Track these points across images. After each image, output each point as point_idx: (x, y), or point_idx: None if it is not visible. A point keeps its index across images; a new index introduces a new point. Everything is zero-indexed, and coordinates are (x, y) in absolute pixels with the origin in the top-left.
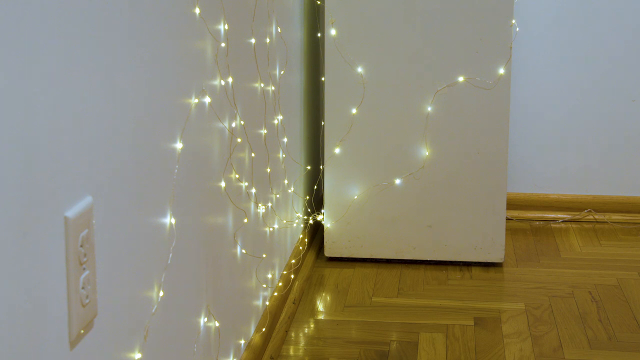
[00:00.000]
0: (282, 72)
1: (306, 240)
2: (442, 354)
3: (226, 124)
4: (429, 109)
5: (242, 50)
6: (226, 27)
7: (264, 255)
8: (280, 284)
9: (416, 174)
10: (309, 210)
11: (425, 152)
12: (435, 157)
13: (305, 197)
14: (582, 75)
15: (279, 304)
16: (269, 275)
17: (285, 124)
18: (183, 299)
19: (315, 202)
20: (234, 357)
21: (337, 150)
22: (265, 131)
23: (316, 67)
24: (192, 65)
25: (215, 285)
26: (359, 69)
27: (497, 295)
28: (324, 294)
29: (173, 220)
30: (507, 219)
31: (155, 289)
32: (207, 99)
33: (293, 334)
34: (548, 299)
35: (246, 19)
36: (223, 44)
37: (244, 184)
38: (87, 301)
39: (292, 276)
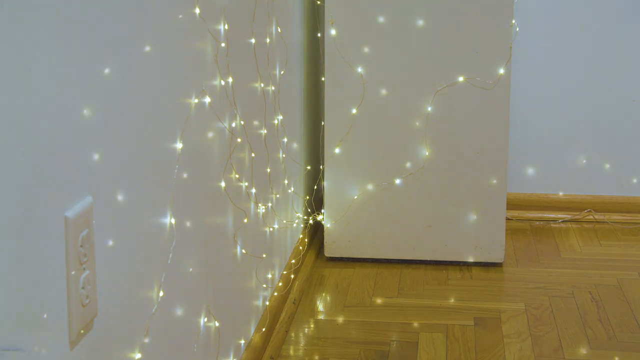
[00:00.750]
0: (282, 72)
1: (306, 240)
2: (442, 354)
3: (226, 124)
4: (429, 108)
5: (242, 50)
6: (226, 27)
7: (264, 255)
8: (280, 284)
9: (416, 174)
10: (309, 210)
11: (425, 152)
12: (435, 157)
13: (305, 197)
14: (582, 75)
15: (279, 304)
16: (269, 275)
17: (285, 124)
18: (183, 299)
19: (315, 202)
20: (234, 357)
21: (337, 150)
22: (265, 131)
23: (316, 67)
24: (192, 65)
25: (215, 285)
26: (359, 69)
27: (497, 295)
28: (324, 294)
29: (173, 221)
30: (507, 219)
31: (155, 289)
32: (207, 99)
33: (293, 334)
34: (548, 299)
35: (246, 19)
36: (223, 44)
37: (244, 184)
38: (87, 301)
39: (292, 276)
